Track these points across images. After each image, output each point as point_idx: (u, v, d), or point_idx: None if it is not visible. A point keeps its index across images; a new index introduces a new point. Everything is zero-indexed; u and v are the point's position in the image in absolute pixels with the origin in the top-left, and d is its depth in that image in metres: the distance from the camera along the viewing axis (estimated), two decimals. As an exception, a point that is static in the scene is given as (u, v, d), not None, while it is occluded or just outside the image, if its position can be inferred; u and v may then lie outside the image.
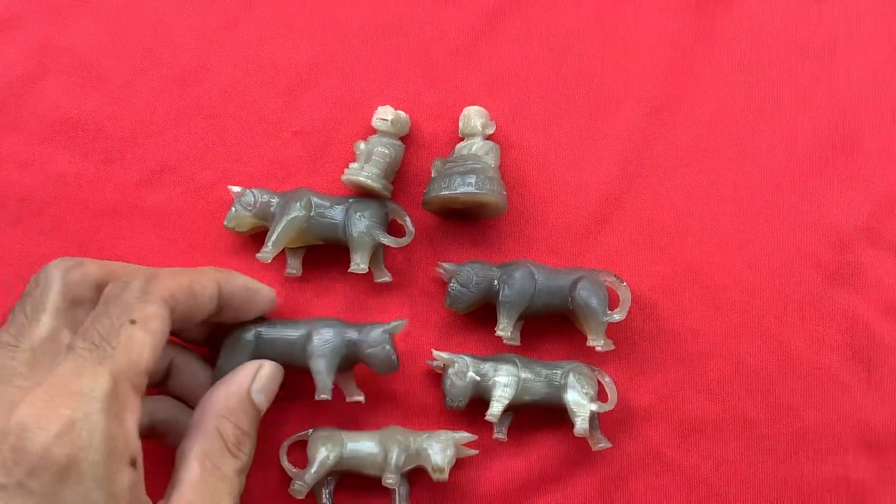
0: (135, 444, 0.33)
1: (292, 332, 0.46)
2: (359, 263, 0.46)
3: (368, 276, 0.48)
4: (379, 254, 0.48)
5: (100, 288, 0.38)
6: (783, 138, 0.51)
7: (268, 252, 0.46)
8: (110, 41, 0.51)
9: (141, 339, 0.35)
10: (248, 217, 0.47)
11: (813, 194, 0.50)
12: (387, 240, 0.47)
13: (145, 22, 0.51)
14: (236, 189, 0.48)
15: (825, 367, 0.49)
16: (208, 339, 0.46)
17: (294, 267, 0.48)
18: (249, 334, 0.45)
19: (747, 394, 0.49)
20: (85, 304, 0.37)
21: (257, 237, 0.48)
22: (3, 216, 0.49)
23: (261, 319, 0.46)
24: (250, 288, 0.44)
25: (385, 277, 0.48)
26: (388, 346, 0.45)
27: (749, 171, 0.50)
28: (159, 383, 0.44)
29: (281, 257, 0.48)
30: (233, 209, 0.47)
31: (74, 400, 0.31)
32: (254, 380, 0.41)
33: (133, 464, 0.33)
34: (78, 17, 0.51)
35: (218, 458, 0.37)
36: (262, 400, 0.42)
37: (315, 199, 0.47)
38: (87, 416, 0.31)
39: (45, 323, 0.35)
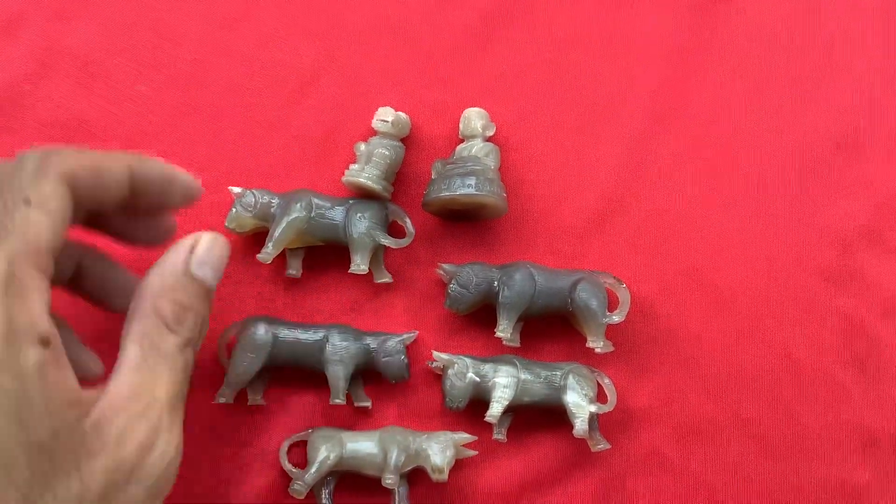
0: (43, 324, 0.31)
1: (309, 336, 0.47)
2: (359, 264, 0.46)
3: (368, 276, 0.49)
4: (379, 255, 0.48)
5: None
6: (783, 141, 0.51)
7: (268, 253, 0.46)
8: (112, 42, 0.51)
9: (37, 221, 0.32)
10: (248, 218, 0.47)
11: (813, 197, 0.50)
12: (387, 241, 0.47)
13: (146, 23, 0.52)
14: (237, 190, 0.48)
15: (825, 370, 0.49)
16: (131, 232, 0.42)
17: (294, 268, 0.48)
18: (267, 335, 0.46)
19: (747, 396, 0.49)
20: None
21: (258, 237, 0.48)
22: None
23: (276, 320, 0.47)
24: (166, 174, 0.39)
25: (385, 278, 0.48)
26: (403, 357, 0.46)
27: (749, 174, 0.51)
28: (68, 285, 0.42)
29: (281, 258, 0.48)
30: (233, 210, 0.47)
31: None
32: (192, 254, 0.38)
33: (44, 343, 0.31)
34: (80, 18, 0.52)
35: (156, 337, 0.35)
36: (207, 272, 0.38)
37: (315, 200, 0.47)
38: None
39: None
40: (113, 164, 0.37)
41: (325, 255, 0.49)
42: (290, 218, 0.46)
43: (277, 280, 0.49)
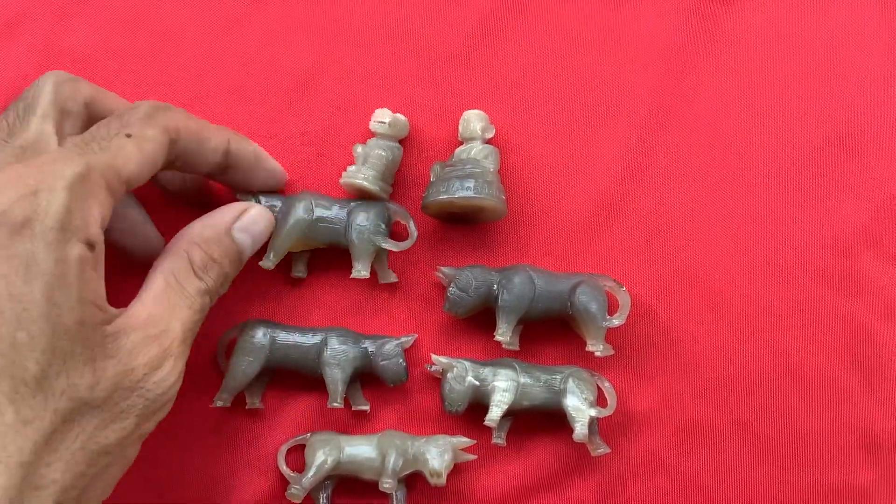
0: (94, 230, 0.35)
1: (307, 339, 0.46)
2: (360, 270, 0.46)
3: (369, 277, 0.48)
4: (383, 256, 0.48)
5: (89, 107, 0.40)
6: (783, 143, 0.51)
7: (270, 261, 0.46)
8: (111, 43, 0.51)
9: (129, 151, 0.37)
10: None
11: (813, 199, 0.50)
12: (388, 244, 0.46)
13: (146, 25, 0.51)
14: (240, 196, 0.48)
15: (825, 373, 0.49)
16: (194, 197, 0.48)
17: (300, 270, 0.48)
18: (265, 338, 0.46)
19: (747, 399, 0.48)
20: (73, 117, 0.39)
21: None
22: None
23: (274, 323, 0.47)
24: (259, 155, 0.45)
25: (390, 278, 0.48)
26: (401, 360, 0.46)
27: (749, 176, 0.50)
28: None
29: (286, 259, 0.48)
30: None
31: (44, 174, 0.34)
32: (238, 219, 0.43)
33: (90, 246, 0.34)
34: (79, 19, 0.51)
35: (182, 276, 0.39)
36: (246, 239, 0.43)
37: (317, 203, 0.47)
38: (51, 188, 0.33)
39: (35, 124, 0.37)
40: (213, 135, 0.42)
41: (324, 255, 0.49)
42: (292, 222, 0.46)
43: (276, 282, 0.49)
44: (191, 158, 0.41)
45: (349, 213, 0.47)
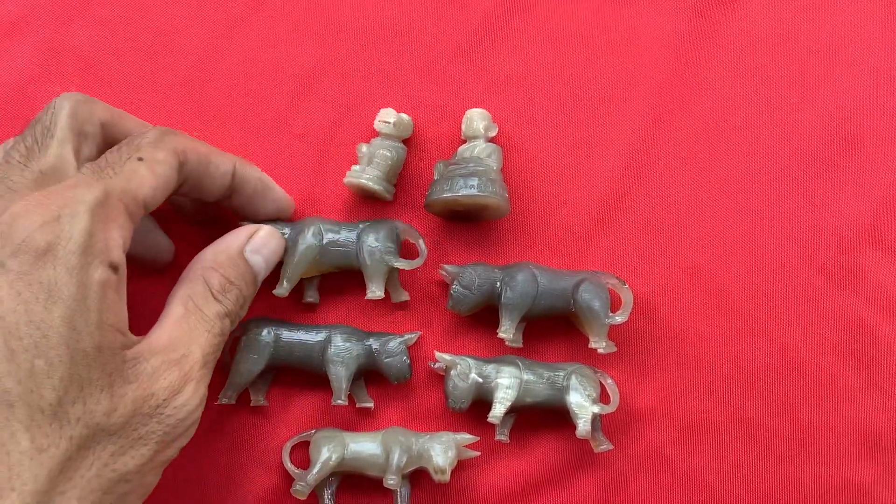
0: (116, 253, 0.35)
1: (311, 337, 0.47)
2: (374, 290, 0.46)
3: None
4: (394, 275, 0.48)
5: (105, 128, 0.40)
6: (785, 140, 0.51)
7: (283, 288, 0.46)
8: (114, 45, 0.51)
9: (143, 174, 0.37)
10: None
11: (815, 196, 0.50)
12: (400, 264, 0.47)
13: (149, 26, 0.52)
14: (246, 224, 0.48)
15: (827, 369, 0.49)
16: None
17: (311, 296, 0.48)
18: (269, 335, 0.46)
19: (749, 396, 0.49)
20: (90, 139, 0.39)
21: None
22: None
23: (278, 321, 0.47)
24: (264, 181, 0.45)
25: (403, 297, 0.48)
26: (405, 357, 0.47)
27: (751, 173, 0.50)
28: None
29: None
30: None
31: (65, 200, 0.34)
32: (249, 241, 0.43)
33: (113, 269, 0.35)
34: (82, 20, 0.52)
35: (200, 300, 0.39)
36: (259, 261, 0.43)
37: (325, 228, 0.47)
38: (73, 213, 0.34)
39: (54, 148, 0.37)
40: (220, 159, 0.42)
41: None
42: (303, 248, 0.46)
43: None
44: (198, 182, 0.41)
45: (359, 236, 0.47)
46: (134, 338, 0.36)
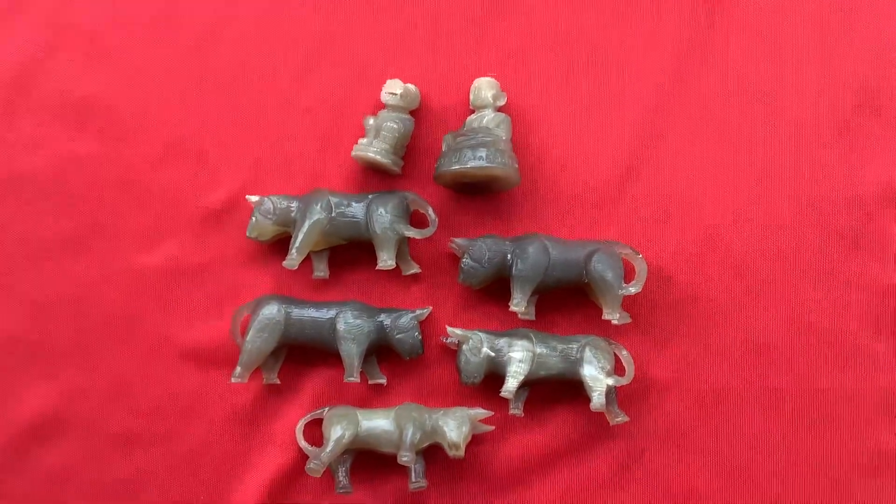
0: None
1: (322, 314, 0.46)
2: (385, 260, 0.46)
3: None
4: (404, 246, 0.48)
5: None
6: (804, 104, 0.49)
7: (293, 259, 0.46)
8: (118, 19, 0.51)
9: None
10: (269, 225, 0.47)
11: (833, 160, 0.49)
12: (411, 232, 0.46)
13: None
14: (254, 198, 0.47)
15: (849, 336, 0.48)
16: None
17: (321, 270, 0.48)
18: (279, 314, 0.46)
19: (768, 364, 0.48)
20: None
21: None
22: (15, 197, 0.49)
23: (289, 298, 0.47)
24: None
25: (414, 269, 0.48)
26: (417, 333, 0.46)
27: (768, 138, 0.49)
28: None
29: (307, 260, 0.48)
30: (253, 219, 0.47)
31: None
32: None
33: None
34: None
35: None
36: None
37: (334, 200, 0.46)
38: None
39: None
40: None
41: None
42: (312, 221, 0.46)
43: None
44: None
45: (368, 207, 0.47)
46: None
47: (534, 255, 0.46)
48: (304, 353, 0.48)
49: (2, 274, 0.49)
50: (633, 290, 0.46)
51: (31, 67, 0.50)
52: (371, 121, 0.48)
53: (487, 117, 0.47)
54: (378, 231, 0.46)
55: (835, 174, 0.49)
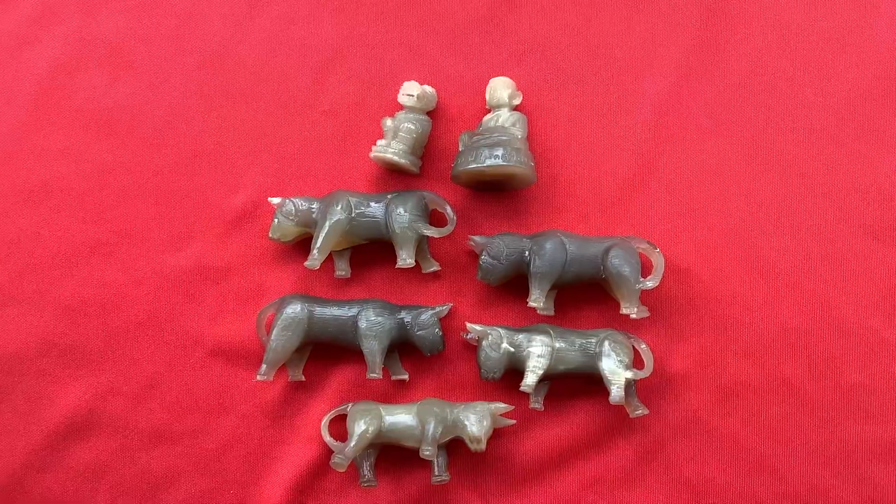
0: None
1: (344, 312, 0.47)
2: (405, 259, 0.47)
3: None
4: (424, 245, 0.48)
5: None
6: (822, 95, 0.49)
7: (315, 259, 0.47)
8: (140, 31, 0.52)
9: None
10: (291, 226, 0.48)
11: (853, 151, 0.49)
12: (430, 231, 0.47)
13: (172, 10, 0.52)
14: (276, 200, 0.48)
15: (870, 328, 0.48)
16: None
17: (342, 269, 0.49)
18: (302, 312, 0.47)
19: (789, 356, 0.48)
20: None
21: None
22: (46, 205, 0.51)
23: (312, 297, 0.48)
24: None
25: (433, 267, 0.49)
26: (437, 329, 0.47)
27: (786, 130, 0.49)
28: None
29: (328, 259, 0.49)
30: (275, 220, 0.48)
31: None
32: None
33: None
34: (109, 8, 0.52)
35: None
36: None
37: (354, 200, 0.47)
38: None
39: None
40: None
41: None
42: (332, 221, 0.47)
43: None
44: None
45: (387, 206, 0.47)
46: None
47: (551, 251, 0.46)
48: (327, 351, 0.49)
49: (35, 280, 0.50)
50: (650, 284, 0.46)
51: (60, 80, 0.52)
52: (389, 122, 0.49)
53: (503, 116, 0.48)
54: (397, 230, 0.47)
55: (854, 166, 0.49)
